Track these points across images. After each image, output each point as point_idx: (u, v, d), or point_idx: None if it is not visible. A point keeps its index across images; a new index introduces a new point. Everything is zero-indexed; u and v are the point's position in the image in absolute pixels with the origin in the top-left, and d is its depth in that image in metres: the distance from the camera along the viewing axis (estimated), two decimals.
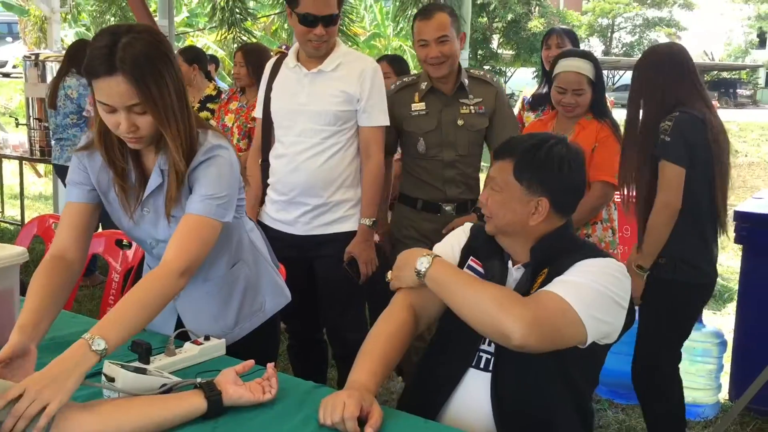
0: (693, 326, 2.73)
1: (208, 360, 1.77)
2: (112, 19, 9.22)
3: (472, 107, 2.86)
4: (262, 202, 2.82)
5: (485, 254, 1.76)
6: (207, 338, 1.81)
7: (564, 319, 1.52)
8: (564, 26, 4.89)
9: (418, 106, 2.86)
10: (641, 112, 2.59)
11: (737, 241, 3.23)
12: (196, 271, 1.68)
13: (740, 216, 3.24)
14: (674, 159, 2.45)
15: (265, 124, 2.79)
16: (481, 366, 1.68)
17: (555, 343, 1.53)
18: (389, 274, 1.74)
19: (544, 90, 3.63)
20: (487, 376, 1.66)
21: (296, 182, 2.62)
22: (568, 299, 1.53)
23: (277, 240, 2.48)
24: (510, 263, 1.73)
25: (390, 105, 2.72)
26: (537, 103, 3.77)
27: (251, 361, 1.63)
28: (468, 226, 1.87)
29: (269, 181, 2.76)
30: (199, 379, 1.53)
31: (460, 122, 2.85)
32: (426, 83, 2.86)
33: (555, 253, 1.67)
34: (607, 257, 1.66)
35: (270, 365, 1.61)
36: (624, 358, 3.35)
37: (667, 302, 2.59)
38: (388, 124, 2.70)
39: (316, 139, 2.59)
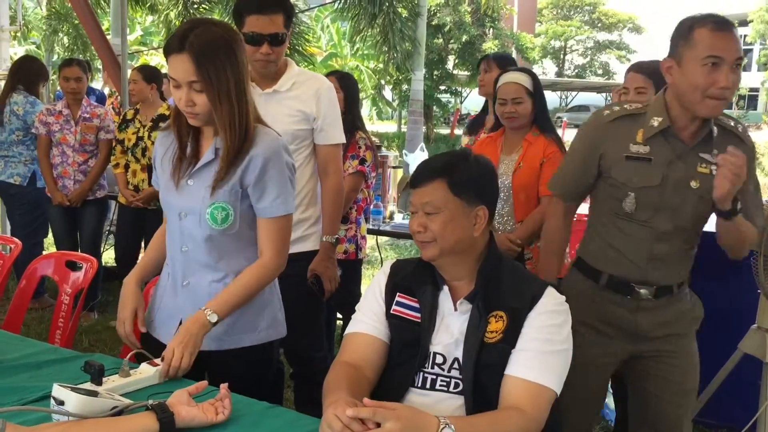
0: None
1: (164, 382, 1.76)
2: (65, 38, 9.11)
3: (713, 167, 2.05)
4: None
5: (415, 284, 1.79)
6: (163, 359, 1.80)
7: (546, 402, 1.66)
8: (500, 51, 5.07)
9: (639, 148, 2.09)
10: None
11: None
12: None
13: None
14: None
15: None
16: (427, 386, 1.72)
17: (545, 419, 1.66)
18: None
19: (486, 115, 3.75)
20: (431, 396, 1.70)
21: None
22: (542, 382, 1.65)
23: None
24: (448, 294, 1.77)
25: (600, 134, 2.12)
26: (473, 126, 3.84)
27: (204, 382, 1.64)
28: (386, 265, 1.89)
29: None
30: (150, 401, 1.52)
31: (694, 184, 2.08)
32: (660, 119, 2.07)
33: (495, 277, 1.74)
34: (545, 288, 1.74)
35: (223, 386, 1.60)
36: None
37: None
38: (344, 141, 2.73)
39: None
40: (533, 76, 3.08)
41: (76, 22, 9.22)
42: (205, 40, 1.78)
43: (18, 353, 1.84)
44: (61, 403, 1.47)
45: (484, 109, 3.76)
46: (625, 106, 2.13)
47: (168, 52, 1.82)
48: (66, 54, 10.73)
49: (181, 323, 1.97)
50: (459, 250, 1.74)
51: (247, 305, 1.95)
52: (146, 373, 1.76)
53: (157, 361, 1.80)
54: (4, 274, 2.94)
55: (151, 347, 1.93)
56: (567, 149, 2.27)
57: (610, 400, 3.30)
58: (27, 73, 4.88)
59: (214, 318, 1.84)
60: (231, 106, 1.83)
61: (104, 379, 1.67)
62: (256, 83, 2.61)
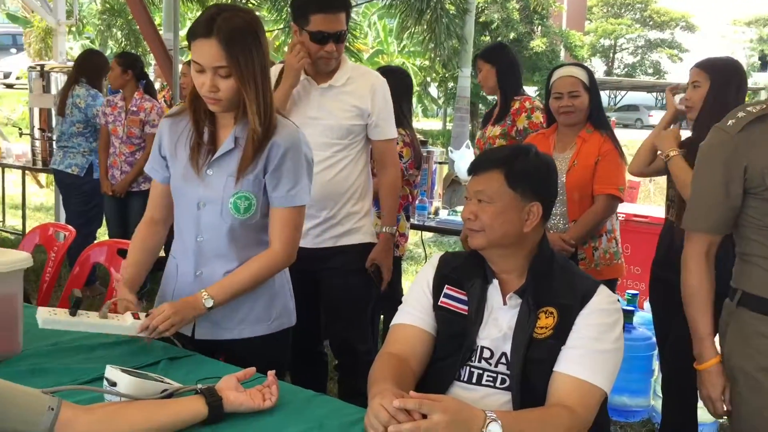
0: None
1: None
2: (119, 33, 9.31)
3: None
4: None
5: (464, 277, 1.78)
6: (148, 314, 1.84)
7: (595, 401, 1.64)
8: (494, 44, 4.99)
9: None
10: (704, 115, 2.59)
11: None
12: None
13: None
14: None
15: None
16: (473, 381, 1.71)
17: (593, 418, 1.64)
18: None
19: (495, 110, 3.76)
20: (477, 391, 1.69)
21: None
22: (592, 381, 1.63)
23: None
24: (497, 288, 1.75)
25: (734, 147, 1.82)
26: (486, 120, 3.83)
27: (252, 369, 1.65)
28: (436, 257, 1.88)
29: None
30: (200, 385, 1.55)
31: None
32: None
33: (547, 274, 1.72)
34: (597, 287, 1.71)
35: (271, 373, 1.62)
36: (621, 376, 3.38)
37: None
38: (396, 135, 2.78)
39: (327, 152, 2.62)
40: (588, 71, 3.03)
41: (130, 17, 9.42)
42: (234, 25, 1.78)
43: (72, 336, 1.88)
44: (113, 384, 1.50)
45: (495, 104, 3.75)
46: (748, 109, 1.85)
47: (194, 36, 1.80)
48: (119, 49, 10.98)
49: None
50: (506, 244, 1.73)
51: (258, 295, 1.97)
52: (124, 321, 1.80)
53: (141, 315, 1.84)
54: (58, 260, 3.02)
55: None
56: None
57: (657, 403, 3.25)
58: (90, 67, 5.03)
59: (209, 303, 1.85)
60: (257, 92, 1.83)
61: (79, 312, 1.76)
62: (312, 78, 2.64)
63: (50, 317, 1.72)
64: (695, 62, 2.73)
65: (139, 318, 1.83)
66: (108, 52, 12.66)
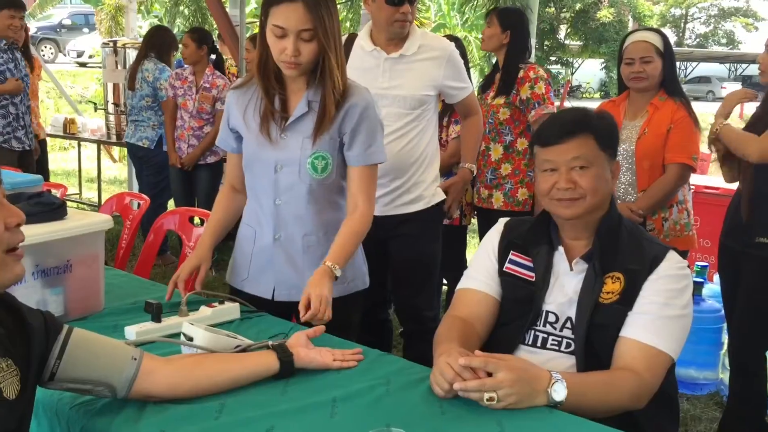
0: None
1: (222, 322, 1.86)
2: (186, 10, 9.50)
3: None
4: None
5: (530, 243, 1.79)
6: (222, 302, 1.90)
7: (662, 367, 1.63)
8: (514, 7, 4.47)
9: None
10: None
11: None
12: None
13: None
14: None
15: None
16: (538, 344, 1.72)
17: (659, 384, 1.64)
18: (488, 394, 1.42)
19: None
20: (541, 355, 1.70)
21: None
22: (659, 346, 1.62)
23: None
24: (563, 254, 1.75)
25: None
26: (486, 85, 3.64)
27: (322, 328, 1.70)
28: (501, 223, 1.89)
29: None
30: (271, 341, 1.61)
31: None
32: None
33: (614, 238, 1.71)
34: (667, 252, 1.70)
35: (357, 350, 1.68)
36: (689, 349, 3.34)
37: None
38: (472, 87, 2.87)
39: (399, 123, 2.63)
40: (664, 36, 2.95)
41: None
42: None
43: (150, 296, 1.97)
44: (190, 339, 1.58)
45: (496, 67, 3.60)
46: None
47: (276, 2, 1.83)
48: (186, 26, 11.22)
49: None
50: (600, 206, 1.73)
51: None
52: (204, 313, 1.86)
53: (215, 303, 1.90)
54: (134, 227, 3.14)
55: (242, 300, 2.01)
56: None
57: (725, 376, 3.19)
58: (159, 42, 5.16)
59: (338, 271, 1.89)
60: (337, 54, 1.88)
61: (163, 318, 1.80)
62: (381, 47, 2.65)
63: (140, 330, 1.75)
64: None
65: (214, 306, 1.89)
66: (175, 30, 12.95)
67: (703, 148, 3.23)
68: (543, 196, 1.73)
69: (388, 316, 3.09)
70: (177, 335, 1.64)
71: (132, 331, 1.74)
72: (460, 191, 2.96)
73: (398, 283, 2.85)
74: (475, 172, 2.99)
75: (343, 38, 2.86)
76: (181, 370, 1.45)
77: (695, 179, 4.93)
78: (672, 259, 1.69)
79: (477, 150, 2.95)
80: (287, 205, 1.99)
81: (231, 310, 1.91)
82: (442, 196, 2.80)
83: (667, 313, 1.64)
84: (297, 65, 1.86)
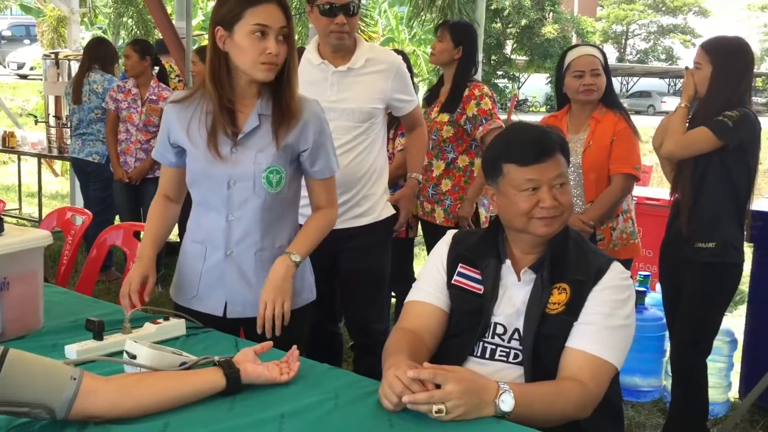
0: None
1: (167, 339, 1.81)
2: (130, 21, 9.35)
3: None
4: None
5: (479, 255, 1.80)
6: (167, 318, 1.87)
7: (606, 376, 1.66)
8: (462, 21, 4.53)
9: None
10: (708, 98, 2.62)
11: (749, 239, 3.24)
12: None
13: (752, 215, 3.24)
14: (719, 136, 2.52)
15: None
16: (487, 356, 1.74)
17: (603, 393, 1.66)
18: (436, 406, 1.42)
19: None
20: (490, 366, 1.71)
21: None
22: (603, 356, 1.65)
23: None
24: (511, 267, 1.76)
25: None
26: (430, 98, 3.66)
27: (270, 343, 1.68)
28: (449, 235, 1.90)
29: None
30: (217, 357, 1.58)
31: None
32: None
33: (562, 249, 1.74)
34: (611, 263, 1.73)
35: (293, 349, 1.65)
36: (633, 357, 3.41)
37: (717, 285, 2.67)
38: (417, 100, 2.87)
39: (348, 136, 2.62)
40: (603, 52, 3.05)
41: (141, 6, 9.45)
42: None
43: (92, 313, 1.92)
44: (133, 357, 1.54)
45: (441, 81, 3.63)
46: None
47: (255, 2, 1.83)
48: (130, 37, 11.04)
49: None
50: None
51: None
52: (148, 330, 1.81)
53: (160, 320, 1.86)
54: (76, 243, 3.06)
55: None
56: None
57: (668, 383, 3.27)
58: (101, 54, 5.06)
59: (297, 258, 1.93)
60: (296, 60, 1.91)
61: (105, 336, 1.75)
62: (329, 61, 2.63)
63: (81, 348, 1.70)
64: (703, 42, 2.71)
65: (159, 323, 1.85)
66: (120, 42, 12.73)
67: (645, 159, 3.32)
68: (521, 215, 1.70)
69: (338, 329, 3.07)
70: (120, 353, 1.60)
71: (72, 350, 1.69)
72: (412, 202, 2.94)
73: (348, 297, 2.84)
74: (421, 182, 2.99)
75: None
76: (123, 389, 1.41)
77: (637, 191, 5.06)
78: (615, 270, 1.72)
79: (423, 160, 2.96)
80: (240, 221, 1.96)
81: (176, 326, 1.87)
82: (391, 211, 2.80)
83: (610, 324, 1.67)
84: (276, 66, 1.87)
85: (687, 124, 2.69)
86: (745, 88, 2.63)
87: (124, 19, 9.45)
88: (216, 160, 1.92)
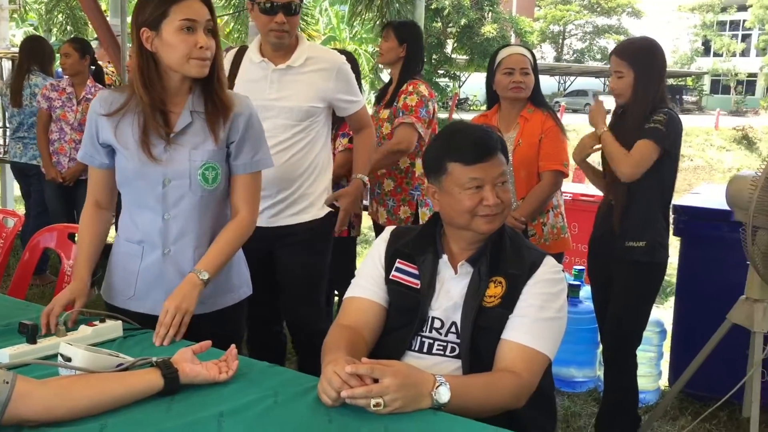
0: None
1: (103, 341, 1.79)
2: (60, 16, 9.11)
3: None
4: None
5: (417, 251, 1.84)
6: (103, 320, 1.85)
7: (539, 366, 1.71)
8: (407, 20, 4.55)
9: None
10: (634, 104, 2.70)
11: (675, 233, 3.38)
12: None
13: (678, 209, 3.39)
14: (660, 143, 2.63)
15: None
16: (425, 350, 1.78)
17: (537, 382, 1.71)
18: (374, 400, 1.44)
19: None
20: (428, 360, 1.75)
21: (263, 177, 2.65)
22: (537, 347, 1.70)
23: None
24: (448, 262, 1.81)
25: None
26: (380, 97, 3.71)
27: (208, 342, 1.68)
28: (387, 231, 1.93)
29: None
30: (155, 358, 1.57)
31: None
32: None
33: (498, 244, 1.79)
34: (544, 257, 1.79)
35: (231, 348, 1.65)
36: (569, 349, 3.51)
37: (646, 282, 2.78)
38: (363, 101, 2.84)
39: (286, 134, 2.61)
40: (532, 53, 3.14)
41: (73, 2, 9.23)
42: None
43: (25, 317, 1.88)
44: (68, 359, 1.52)
45: (390, 81, 3.66)
46: None
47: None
48: (62, 35, 10.74)
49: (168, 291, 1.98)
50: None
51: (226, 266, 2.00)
52: (84, 332, 1.79)
53: (96, 322, 1.83)
54: (7, 246, 2.99)
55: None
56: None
57: (602, 373, 3.37)
58: (39, 54, 4.93)
59: (205, 276, 1.89)
60: (221, 55, 1.93)
61: (39, 339, 1.72)
62: (269, 59, 2.62)
63: (14, 352, 1.66)
64: (615, 49, 2.78)
65: (95, 324, 1.82)
66: (53, 39, 12.38)
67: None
68: (465, 213, 1.74)
69: (281, 328, 3.07)
70: (54, 357, 1.58)
71: (5, 354, 1.65)
72: (352, 202, 2.85)
73: (288, 295, 2.84)
74: (368, 184, 2.97)
75: (234, 51, 2.85)
76: (58, 392, 1.39)
77: (572, 187, 5.21)
78: (548, 264, 1.78)
79: (370, 162, 2.94)
80: (177, 219, 1.95)
81: (113, 328, 1.85)
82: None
83: (543, 316, 1.72)
84: (208, 60, 1.86)
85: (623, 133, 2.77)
86: (664, 87, 2.74)
87: (55, 13, 9.19)
88: (148, 160, 1.90)
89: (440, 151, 1.80)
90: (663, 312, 4.46)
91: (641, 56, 2.69)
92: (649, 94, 2.66)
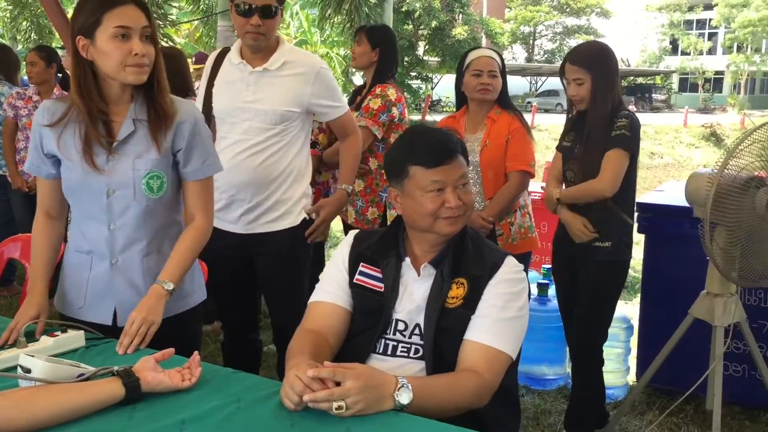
0: None
1: (65, 351, 1.78)
2: (25, 23, 8.99)
3: None
4: None
5: (380, 254, 1.85)
6: (65, 330, 1.84)
7: (501, 366, 1.73)
8: (380, 24, 4.69)
9: None
10: (595, 109, 2.73)
11: (640, 230, 3.43)
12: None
13: (642, 207, 3.44)
14: (628, 149, 2.69)
15: (205, 119, 2.77)
16: (389, 352, 1.79)
17: (499, 382, 1.72)
18: (336, 403, 1.45)
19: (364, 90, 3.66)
20: (392, 362, 1.76)
21: (236, 180, 2.60)
22: (498, 347, 1.72)
23: (219, 238, 2.51)
24: (411, 265, 1.82)
25: None
26: (353, 99, 3.76)
27: (171, 350, 1.68)
28: (351, 235, 1.94)
29: None
30: (116, 367, 1.57)
31: None
32: None
33: (460, 245, 1.81)
34: (505, 258, 1.81)
35: (195, 353, 1.65)
36: (540, 347, 3.54)
37: (611, 282, 2.83)
38: (347, 107, 2.79)
39: (260, 137, 2.58)
40: (501, 57, 3.17)
41: (39, 11, 9.12)
42: None
43: None
44: (27, 371, 1.51)
45: (364, 84, 3.68)
46: None
47: (113, 4, 1.81)
48: (26, 42, 10.61)
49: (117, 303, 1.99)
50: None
51: None
52: (45, 343, 1.78)
53: (57, 332, 1.82)
54: None
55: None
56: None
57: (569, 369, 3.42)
58: (6, 62, 4.86)
59: (170, 286, 1.91)
60: (162, 61, 1.91)
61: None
62: (247, 61, 2.60)
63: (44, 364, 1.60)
64: (570, 56, 2.81)
65: (56, 335, 1.80)
66: (20, 47, 12.21)
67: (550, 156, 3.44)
68: (428, 216, 1.76)
69: (257, 335, 3.05)
70: (14, 369, 1.57)
71: None
72: (333, 213, 2.77)
73: (270, 304, 2.84)
74: (350, 195, 2.88)
75: (216, 52, 2.83)
76: (17, 403, 1.38)
77: (541, 188, 5.25)
78: (509, 264, 1.80)
79: (355, 171, 2.87)
80: (123, 229, 1.94)
81: (75, 338, 1.83)
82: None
83: (504, 316, 1.74)
84: (145, 67, 1.85)
85: (581, 140, 2.81)
86: (619, 89, 2.80)
87: (20, 20, 9.07)
88: (92, 170, 1.89)
89: (401, 156, 1.81)
90: (631, 308, 4.53)
91: (597, 61, 2.73)
92: (608, 98, 2.71)
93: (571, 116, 2.92)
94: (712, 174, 2.45)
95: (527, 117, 3.23)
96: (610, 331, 3.24)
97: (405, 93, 25.19)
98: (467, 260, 1.80)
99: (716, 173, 2.43)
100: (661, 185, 4.29)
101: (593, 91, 2.71)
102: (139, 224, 1.94)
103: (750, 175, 2.43)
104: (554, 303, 3.66)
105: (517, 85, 37.60)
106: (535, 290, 3.75)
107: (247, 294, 2.79)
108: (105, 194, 1.91)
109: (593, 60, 2.72)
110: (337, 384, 1.48)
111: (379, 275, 1.83)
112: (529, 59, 41.43)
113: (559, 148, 2.97)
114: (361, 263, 1.86)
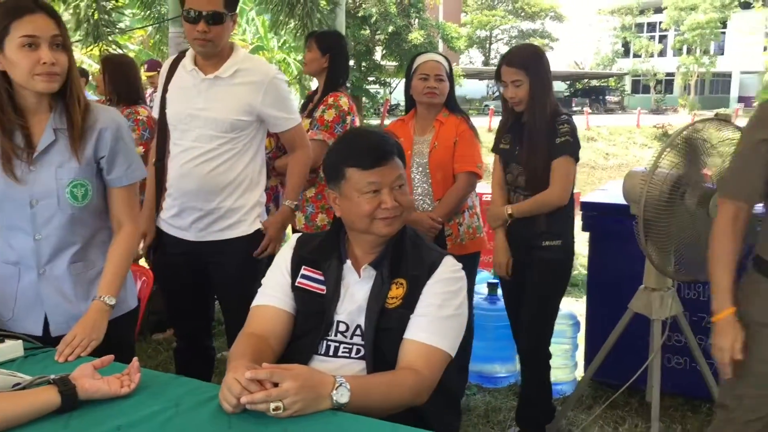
0: None
1: (3, 361, 1.77)
2: None
3: None
4: (156, 205, 2.76)
5: (322, 257, 1.87)
6: (2, 340, 1.82)
7: (440, 363, 1.75)
8: (330, 30, 4.83)
9: None
10: (534, 112, 2.79)
11: (584, 228, 3.51)
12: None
13: (587, 206, 3.52)
14: (574, 154, 2.77)
15: (161, 125, 2.74)
16: (331, 353, 1.81)
17: (438, 379, 1.75)
18: (273, 404, 1.48)
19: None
20: (334, 363, 1.78)
21: (187, 188, 2.59)
22: (436, 344, 1.75)
23: (173, 245, 2.49)
24: (351, 267, 1.85)
25: None
26: (306, 105, 3.74)
27: (110, 357, 1.67)
28: (293, 239, 1.96)
29: (166, 185, 2.71)
30: (53, 376, 1.56)
31: None
32: None
33: (399, 246, 1.84)
34: (443, 257, 1.84)
35: (134, 359, 1.66)
36: (491, 345, 3.60)
37: (558, 282, 2.90)
38: (299, 119, 2.76)
39: (211, 144, 2.56)
40: (448, 61, 3.22)
41: None
42: (49, 6, 1.86)
43: None
44: None
45: (317, 89, 3.68)
46: None
47: (20, 13, 1.81)
48: None
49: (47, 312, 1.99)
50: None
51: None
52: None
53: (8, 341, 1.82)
54: None
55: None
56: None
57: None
58: None
59: (112, 301, 1.94)
60: (76, 71, 1.91)
61: None
62: (200, 68, 2.58)
63: None
64: (506, 59, 2.85)
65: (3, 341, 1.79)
66: None
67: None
68: (365, 217, 1.78)
69: (211, 343, 3.04)
70: None
71: None
72: (279, 230, 2.75)
73: (223, 309, 2.84)
74: (295, 210, 2.88)
75: (172, 57, 2.81)
76: None
77: (489, 189, 5.32)
78: (447, 263, 1.84)
79: (301, 187, 2.86)
80: (48, 239, 1.94)
81: (13, 347, 1.82)
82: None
83: (442, 314, 1.78)
84: (56, 75, 1.84)
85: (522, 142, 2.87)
86: (553, 91, 2.88)
87: None
88: (13, 182, 1.88)
89: (338, 158, 1.83)
90: (578, 305, 4.62)
91: (533, 63, 2.80)
92: (546, 101, 2.78)
93: (506, 118, 2.97)
94: (645, 173, 2.53)
95: (484, 120, 3.29)
96: (558, 327, 3.32)
97: (363, 98, 25.29)
98: (406, 261, 1.83)
99: (648, 172, 2.51)
100: (605, 184, 4.38)
101: (531, 93, 2.77)
102: (65, 233, 1.94)
103: (680, 173, 2.52)
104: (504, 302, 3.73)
105: (474, 88, 37.98)
106: (485, 290, 3.81)
107: (200, 301, 2.79)
108: (28, 205, 1.91)
109: (530, 62, 2.79)
110: (275, 385, 1.50)
111: (321, 278, 1.85)
112: (486, 63, 41.87)
113: (496, 150, 3.03)
114: (303, 266, 1.88)
